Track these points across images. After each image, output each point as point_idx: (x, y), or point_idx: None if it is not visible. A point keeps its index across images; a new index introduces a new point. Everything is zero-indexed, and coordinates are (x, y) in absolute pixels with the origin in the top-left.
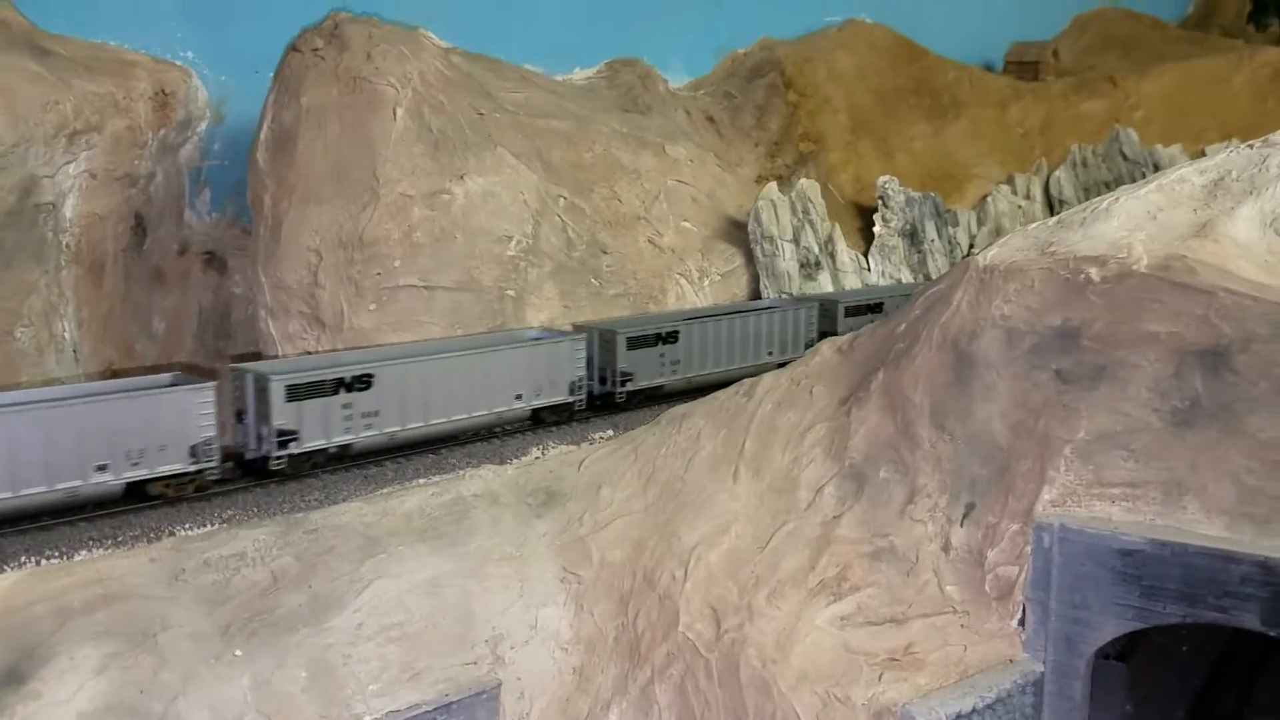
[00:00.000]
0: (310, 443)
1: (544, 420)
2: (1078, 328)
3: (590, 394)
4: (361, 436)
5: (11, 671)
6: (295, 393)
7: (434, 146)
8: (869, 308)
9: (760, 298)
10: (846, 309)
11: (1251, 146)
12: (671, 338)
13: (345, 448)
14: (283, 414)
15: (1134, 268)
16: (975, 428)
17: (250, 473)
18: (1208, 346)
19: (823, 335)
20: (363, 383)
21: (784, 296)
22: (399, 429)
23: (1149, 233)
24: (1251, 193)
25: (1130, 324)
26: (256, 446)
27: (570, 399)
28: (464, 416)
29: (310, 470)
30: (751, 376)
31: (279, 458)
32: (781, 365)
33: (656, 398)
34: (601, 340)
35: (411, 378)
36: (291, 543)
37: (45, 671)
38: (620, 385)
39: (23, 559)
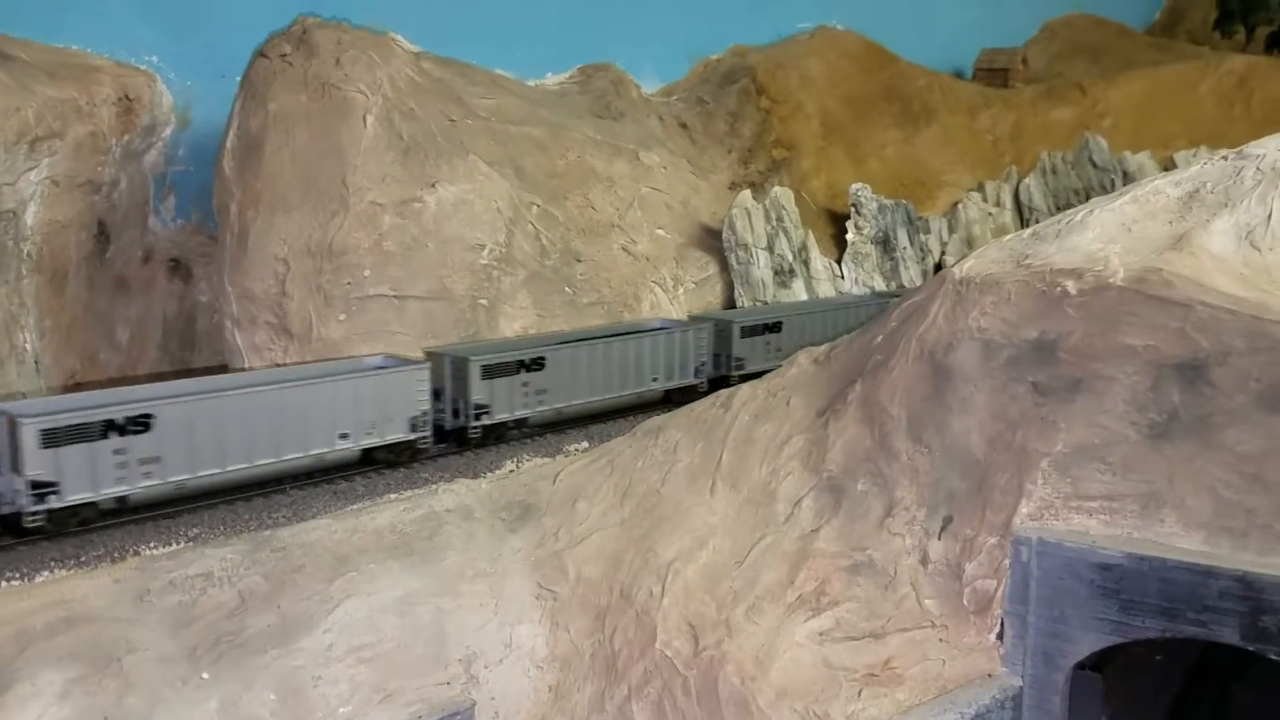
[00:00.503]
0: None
1: (379, 461)
2: (1054, 340)
3: (440, 429)
4: (138, 487)
5: None
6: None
7: (405, 154)
8: (766, 327)
9: (735, 306)
10: (743, 329)
11: (1225, 158)
12: (537, 365)
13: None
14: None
15: (1110, 280)
16: (952, 440)
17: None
18: (1185, 360)
19: (717, 359)
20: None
21: (672, 320)
22: (187, 476)
23: (1124, 245)
24: (1226, 205)
25: (1107, 337)
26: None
27: (411, 436)
28: (270, 460)
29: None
30: (633, 405)
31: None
32: (667, 394)
33: (520, 432)
34: (454, 368)
35: (200, 417)
36: (259, 561)
37: (6, 698)
38: (474, 419)
39: None
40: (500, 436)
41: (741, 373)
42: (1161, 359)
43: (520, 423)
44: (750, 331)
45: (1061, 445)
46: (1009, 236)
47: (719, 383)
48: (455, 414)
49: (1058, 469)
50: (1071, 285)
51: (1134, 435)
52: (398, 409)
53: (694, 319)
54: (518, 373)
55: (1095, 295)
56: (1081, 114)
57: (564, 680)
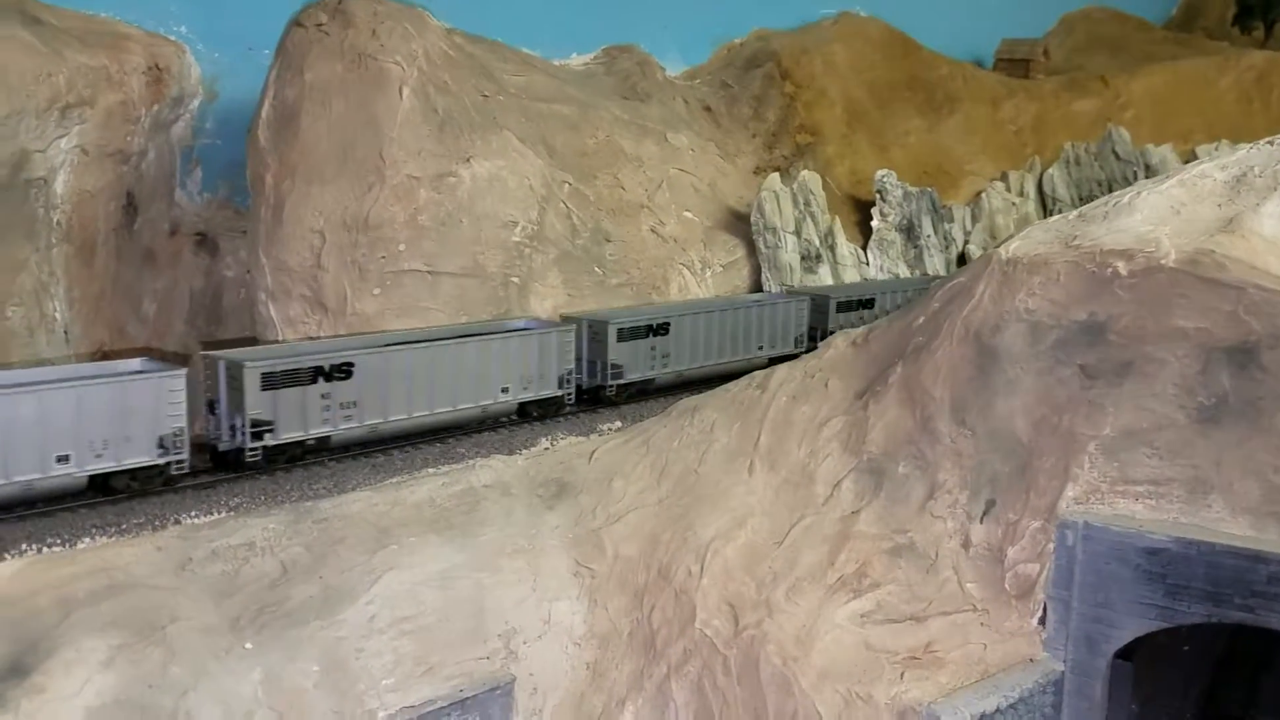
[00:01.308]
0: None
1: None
2: (1104, 322)
3: (578, 388)
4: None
5: (15, 665)
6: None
7: (439, 128)
8: (650, 329)
9: (762, 289)
10: (620, 332)
11: (1271, 143)
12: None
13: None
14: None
15: (1162, 262)
16: (997, 423)
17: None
18: (1236, 343)
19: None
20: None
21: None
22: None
23: (1173, 227)
24: (1276, 189)
25: (1157, 319)
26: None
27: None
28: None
29: None
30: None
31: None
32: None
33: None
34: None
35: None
36: (301, 532)
37: (50, 664)
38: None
39: (24, 546)
40: (630, 396)
41: (620, 381)
42: (1212, 342)
43: (647, 383)
44: (630, 334)
45: (1109, 429)
46: (1054, 218)
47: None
48: (592, 374)
49: (1104, 452)
50: (1122, 266)
51: (1182, 419)
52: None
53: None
54: (646, 337)
55: (1146, 277)
56: (1103, 106)
57: (602, 658)
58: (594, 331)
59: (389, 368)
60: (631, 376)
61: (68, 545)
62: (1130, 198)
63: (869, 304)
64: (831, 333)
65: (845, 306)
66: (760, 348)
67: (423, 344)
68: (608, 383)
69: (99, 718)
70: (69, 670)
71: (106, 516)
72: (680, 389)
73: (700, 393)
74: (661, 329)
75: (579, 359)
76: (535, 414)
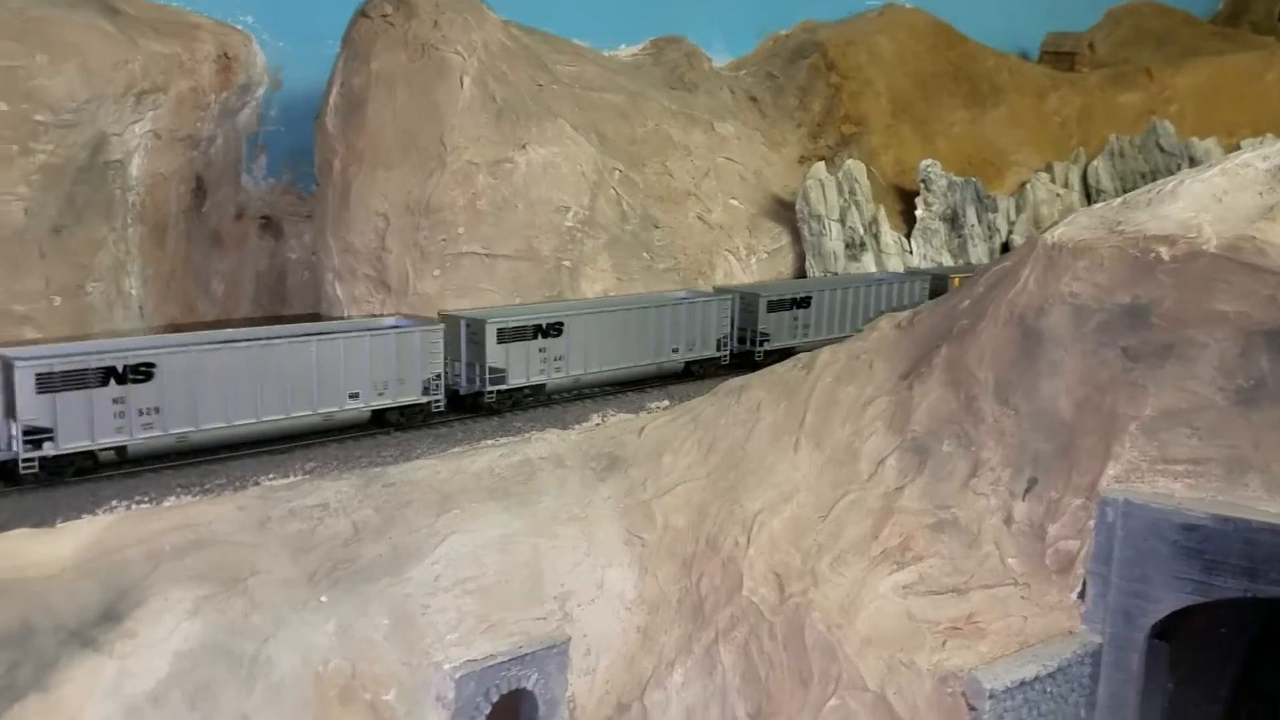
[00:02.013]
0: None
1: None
2: (1146, 306)
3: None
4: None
5: (108, 611)
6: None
7: (497, 115)
8: (539, 330)
9: (805, 276)
10: (500, 333)
11: None
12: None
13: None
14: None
15: (1204, 247)
16: (1040, 403)
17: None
18: (1275, 326)
19: (471, 368)
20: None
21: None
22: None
23: (1215, 214)
24: None
25: (1199, 303)
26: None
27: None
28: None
29: None
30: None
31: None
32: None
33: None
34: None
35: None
36: (370, 495)
37: (140, 612)
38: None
39: (113, 503)
40: (515, 404)
41: (502, 388)
42: (1251, 325)
43: (536, 390)
44: (510, 337)
45: (1150, 409)
46: (1099, 204)
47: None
48: (742, 340)
49: (1145, 432)
50: (1165, 251)
51: (1221, 401)
52: (413, 370)
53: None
54: (535, 338)
55: (1188, 262)
56: (1148, 99)
57: (652, 622)
58: (471, 332)
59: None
60: (516, 382)
61: (154, 503)
62: (1173, 185)
63: (804, 303)
64: (764, 335)
65: (778, 306)
66: (675, 350)
67: (242, 343)
68: (486, 389)
69: (186, 661)
70: (158, 617)
71: (190, 477)
72: (583, 397)
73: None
74: (553, 329)
75: (459, 361)
76: (395, 421)
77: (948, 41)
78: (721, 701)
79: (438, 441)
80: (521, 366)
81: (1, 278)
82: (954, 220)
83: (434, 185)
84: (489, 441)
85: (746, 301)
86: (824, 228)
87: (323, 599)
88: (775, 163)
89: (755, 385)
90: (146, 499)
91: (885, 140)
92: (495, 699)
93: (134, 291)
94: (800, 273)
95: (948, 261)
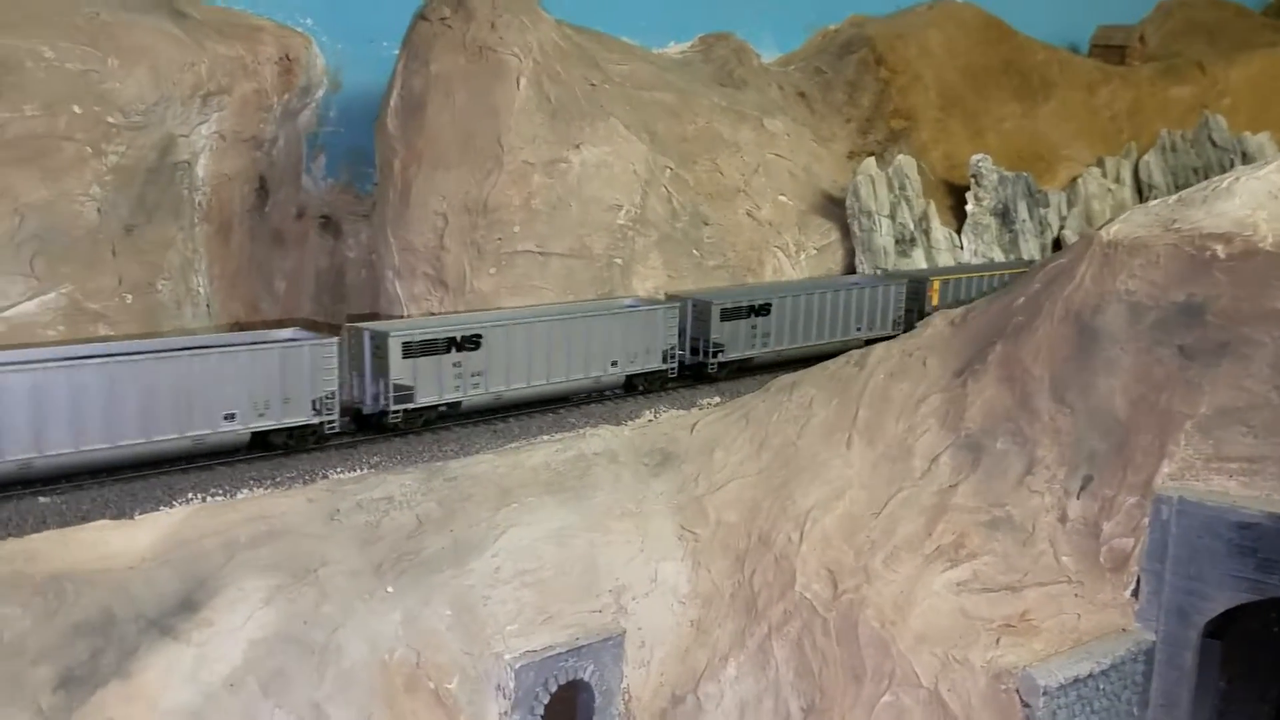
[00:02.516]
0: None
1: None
2: (1202, 303)
3: (681, 364)
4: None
5: (186, 600)
6: (725, 314)
7: (552, 115)
8: (453, 344)
9: (854, 272)
10: (405, 347)
11: None
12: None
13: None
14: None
15: (1260, 245)
16: (1096, 401)
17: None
18: None
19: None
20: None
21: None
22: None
23: (1271, 211)
24: None
25: (1255, 301)
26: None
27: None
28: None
29: None
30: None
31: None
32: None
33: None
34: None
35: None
36: (433, 489)
37: (216, 601)
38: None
39: (190, 495)
40: (730, 374)
41: (409, 405)
42: None
43: (746, 362)
44: (417, 351)
45: (1205, 407)
46: (1154, 201)
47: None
48: (694, 351)
49: (1200, 431)
50: (1221, 249)
51: (1277, 399)
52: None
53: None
54: (749, 317)
55: (1244, 260)
56: (1200, 93)
57: (705, 616)
58: (375, 345)
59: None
60: (425, 400)
61: (229, 495)
62: (1229, 183)
63: (763, 310)
64: (717, 345)
65: (733, 314)
66: (614, 364)
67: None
68: (390, 408)
69: (260, 649)
70: (233, 606)
71: (263, 470)
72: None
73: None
74: (469, 342)
75: (363, 378)
76: (282, 444)
77: (997, 35)
78: (775, 695)
79: (495, 437)
80: (432, 383)
81: (76, 275)
82: (1005, 215)
83: (491, 185)
84: (545, 437)
85: (698, 309)
86: (874, 223)
87: (389, 589)
88: (824, 159)
89: (807, 382)
90: (221, 492)
91: (935, 135)
92: (553, 689)
93: (202, 290)
94: (850, 269)
95: (999, 257)
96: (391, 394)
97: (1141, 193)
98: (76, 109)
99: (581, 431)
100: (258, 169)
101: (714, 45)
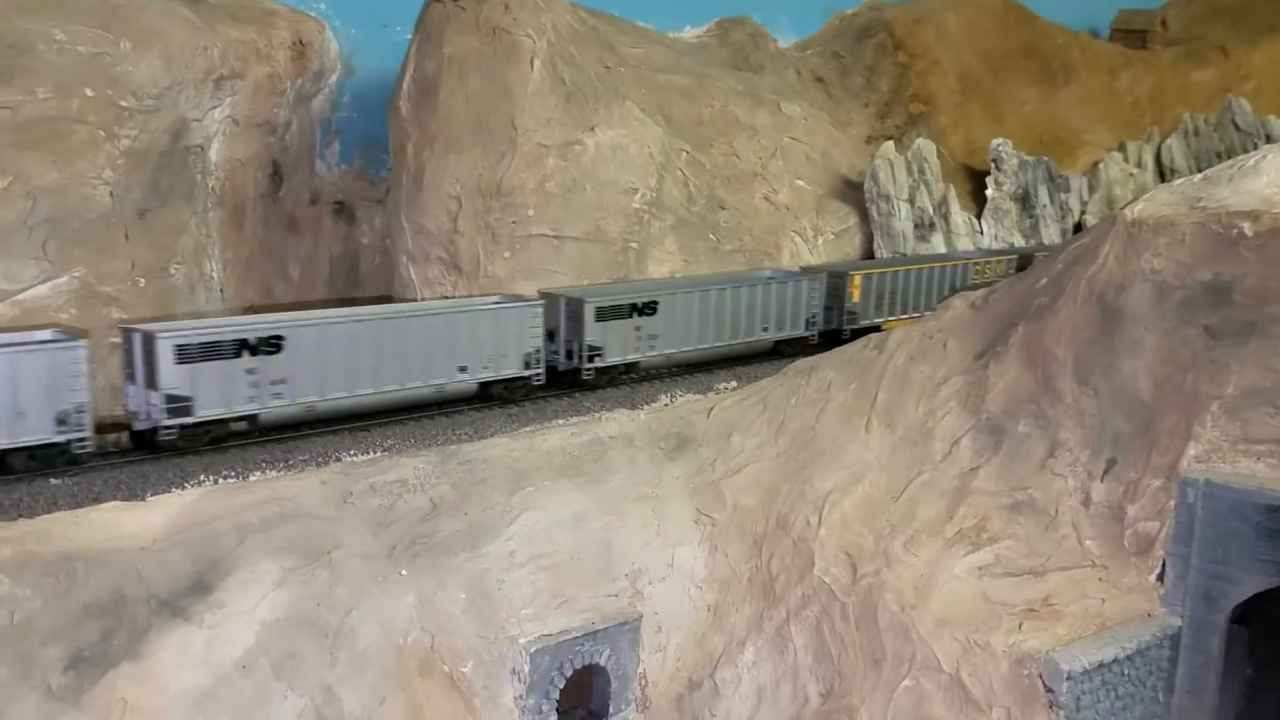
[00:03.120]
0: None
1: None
2: (1229, 283)
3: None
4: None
5: (198, 581)
6: (603, 314)
7: (566, 98)
8: (635, 309)
9: (874, 256)
10: (599, 310)
11: None
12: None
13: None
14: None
15: None
16: (1120, 383)
17: None
18: None
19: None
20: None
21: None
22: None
23: None
24: None
25: None
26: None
27: (805, 333)
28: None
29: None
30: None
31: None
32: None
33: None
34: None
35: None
36: (447, 472)
37: (229, 583)
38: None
39: (202, 477)
40: (610, 381)
41: (185, 420)
42: None
43: (632, 367)
44: (196, 355)
45: (1232, 388)
46: (1179, 181)
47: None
48: (569, 355)
49: (1227, 412)
50: (1248, 227)
51: None
52: (515, 345)
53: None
54: (630, 317)
55: (1272, 238)
56: (1223, 77)
57: (722, 601)
58: (571, 310)
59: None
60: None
61: (241, 477)
62: (1256, 161)
63: (649, 309)
64: (595, 350)
65: (612, 314)
66: (466, 367)
67: (363, 320)
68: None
69: (272, 631)
70: (246, 588)
71: (275, 453)
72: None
73: None
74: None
75: (559, 338)
76: (499, 395)
77: (1017, 19)
78: (793, 680)
79: (510, 420)
80: (216, 394)
81: (89, 259)
82: (1026, 200)
83: (505, 168)
84: (560, 421)
85: (571, 308)
86: (893, 208)
87: (403, 573)
88: (842, 143)
89: (825, 366)
90: (233, 474)
91: (954, 120)
92: (569, 673)
93: (215, 274)
94: (869, 253)
95: (1019, 242)
96: (163, 406)
97: (1164, 177)
98: (89, 92)
99: (597, 415)
100: (271, 154)
101: (730, 30)
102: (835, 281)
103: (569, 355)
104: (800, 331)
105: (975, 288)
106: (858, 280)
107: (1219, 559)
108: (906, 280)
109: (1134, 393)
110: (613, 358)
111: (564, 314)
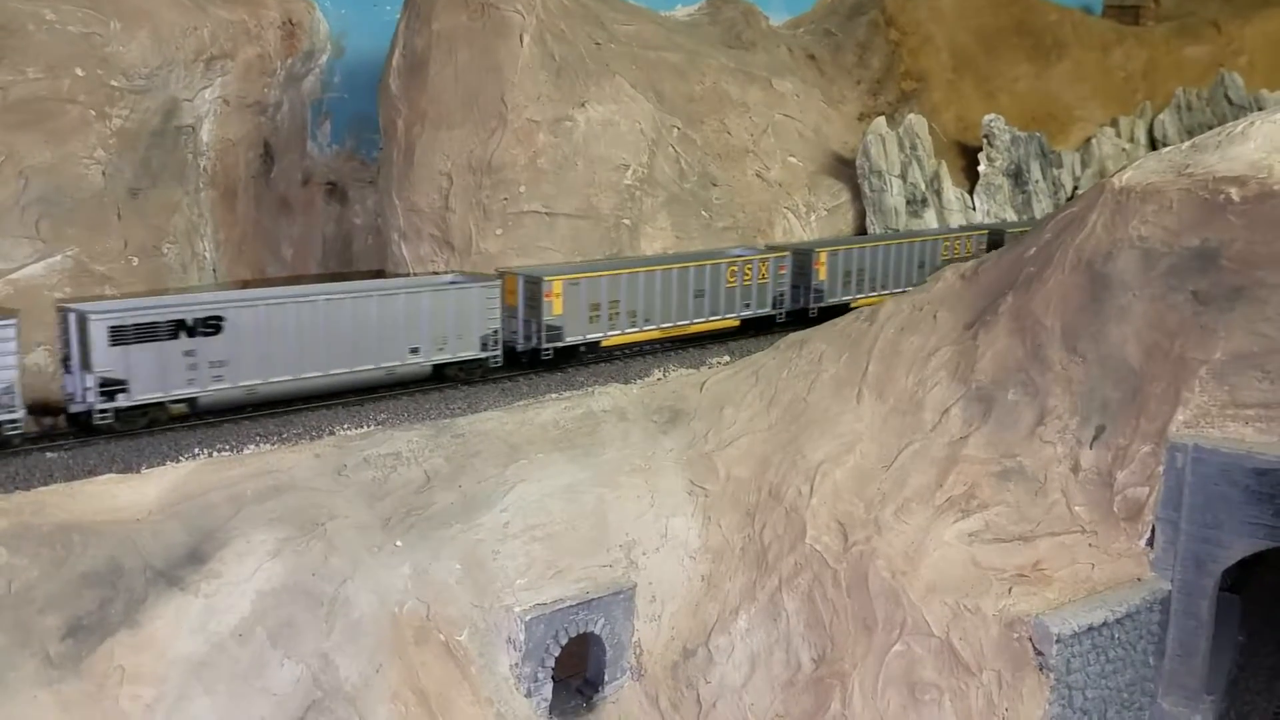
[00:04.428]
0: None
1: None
2: (1216, 248)
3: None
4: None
5: (194, 552)
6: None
7: (557, 74)
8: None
9: (865, 233)
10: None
11: None
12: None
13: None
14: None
15: (1275, 188)
16: (1108, 349)
17: None
18: None
19: None
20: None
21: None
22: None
23: None
24: None
25: (1270, 244)
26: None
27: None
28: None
29: None
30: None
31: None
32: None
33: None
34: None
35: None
36: (441, 445)
37: (224, 553)
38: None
39: (196, 450)
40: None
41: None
42: None
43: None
44: (131, 337)
45: (1220, 353)
46: (1167, 148)
47: None
48: (796, 299)
49: (1215, 377)
50: (1235, 192)
51: None
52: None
53: None
54: (175, 338)
55: (1259, 203)
56: (1216, 51)
57: (716, 570)
58: (798, 260)
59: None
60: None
61: (235, 451)
62: (1244, 127)
63: (208, 328)
64: (555, 329)
65: (144, 334)
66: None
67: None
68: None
69: (268, 600)
70: (241, 559)
71: (269, 427)
72: None
73: None
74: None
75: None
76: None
77: None
78: (786, 647)
79: (503, 395)
80: (154, 376)
81: (82, 238)
82: (1018, 176)
83: (495, 144)
84: (553, 395)
85: (530, 287)
86: (885, 184)
87: (398, 543)
88: (834, 120)
89: (817, 338)
90: (227, 447)
91: (947, 96)
92: (564, 642)
93: (207, 254)
94: (861, 229)
95: (1011, 217)
96: (97, 388)
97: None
98: (79, 72)
99: (590, 389)
100: (262, 134)
101: (722, 8)
102: (801, 260)
103: (528, 336)
104: (767, 310)
105: (945, 264)
106: (824, 258)
107: (1208, 523)
108: (874, 257)
109: (1122, 359)
110: (572, 337)
111: (523, 294)
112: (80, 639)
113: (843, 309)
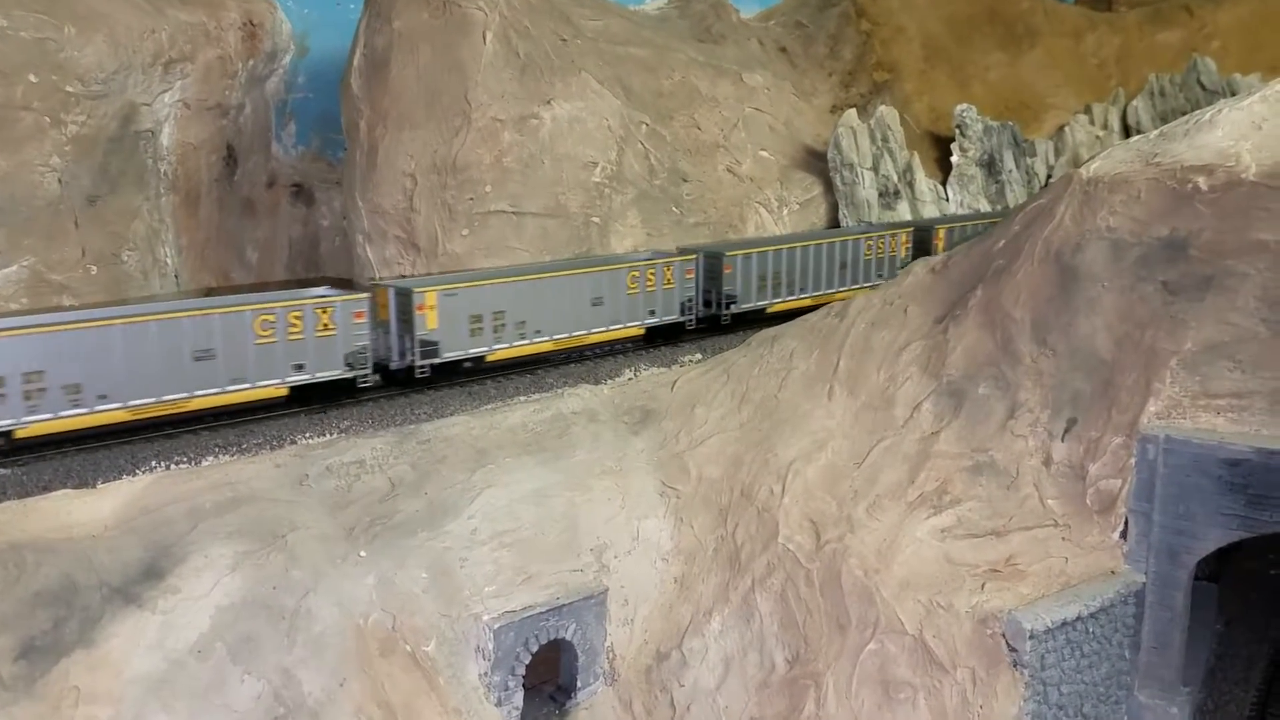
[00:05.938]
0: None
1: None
2: (1185, 238)
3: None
4: None
5: (150, 568)
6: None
7: (521, 71)
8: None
9: (839, 226)
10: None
11: None
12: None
13: None
14: None
15: (1242, 176)
16: (1078, 342)
17: None
18: None
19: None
20: None
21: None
22: None
23: (1255, 142)
24: None
25: (1239, 233)
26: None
27: (681, 318)
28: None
29: None
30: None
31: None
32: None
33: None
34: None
35: None
36: (406, 452)
37: (182, 568)
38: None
39: (153, 463)
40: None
41: None
42: None
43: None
44: None
45: (1190, 344)
46: (1135, 138)
47: None
48: (708, 304)
49: (1186, 367)
50: (1203, 181)
51: (1264, 332)
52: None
53: None
54: (765, 266)
55: (1227, 191)
56: (1188, 37)
57: (688, 572)
58: (709, 262)
59: None
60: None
61: (193, 463)
62: (1211, 115)
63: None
64: (430, 345)
65: (449, 302)
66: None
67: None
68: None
69: (228, 615)
70: (199, 574)
71: (228, 437)
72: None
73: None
74: (782, 259)
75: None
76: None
77: None
78: (759, 648)
79: (470, 398)
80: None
81: (38, 247)
82: (991, 166)
83: (460, 144)
84: (521, 398)
85: (402, 300)
86: (857, 176)
87: (361, 554)
88: (806, 112)
89: (788, 334)
90: (185, 459)
91: (919, 86)
92: (534, 649)
93: (169, 260)
94: (834, 222)
95: (986, 207)
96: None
97: (1130, 138)
98: (33, 78)
99: (559, 391)
100: (225, 137)
101: (691, 1)
102: (711, 263)
103: (402, 353)
104: (675, 317)
105: (868, 264)
106: (734, 262)
107: (1181, 514)
108: (791, 260)
109: (1093, 351)
110: (450, 352)
111: (394, 307)
112: (34, 660)
113: (759, 315)
